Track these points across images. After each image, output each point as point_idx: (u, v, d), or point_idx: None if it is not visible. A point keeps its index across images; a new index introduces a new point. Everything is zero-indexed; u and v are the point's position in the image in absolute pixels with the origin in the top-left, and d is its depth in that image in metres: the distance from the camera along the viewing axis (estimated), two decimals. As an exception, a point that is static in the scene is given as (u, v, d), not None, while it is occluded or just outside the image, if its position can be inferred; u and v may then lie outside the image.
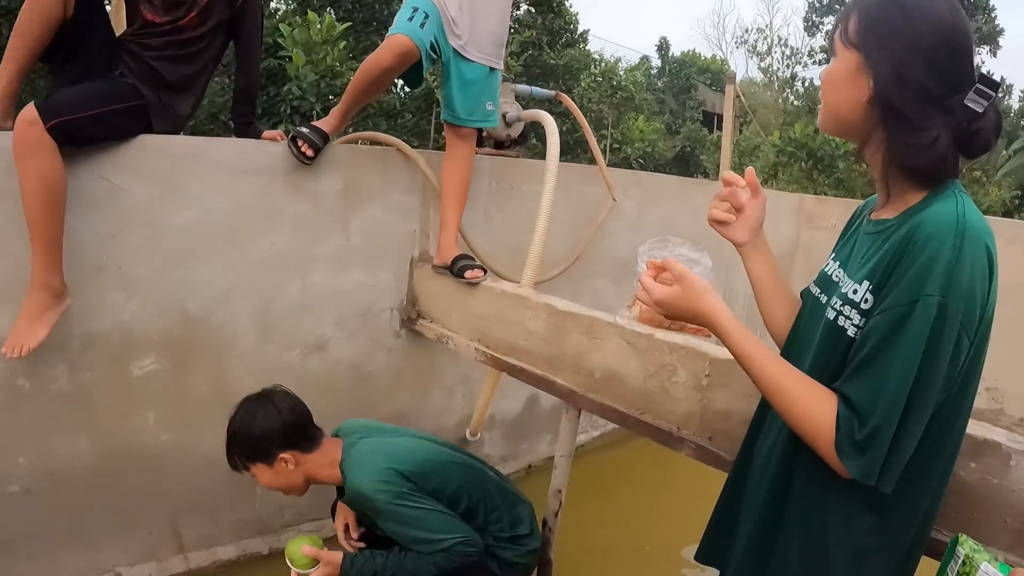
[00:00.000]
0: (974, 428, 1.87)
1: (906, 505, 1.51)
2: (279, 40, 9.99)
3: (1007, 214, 17.68)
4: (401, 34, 3.24)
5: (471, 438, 4.45)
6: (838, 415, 1.42)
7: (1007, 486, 1.82)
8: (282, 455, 2.79)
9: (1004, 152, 22.26)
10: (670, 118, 22.75)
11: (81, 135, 2.88)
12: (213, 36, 3.33)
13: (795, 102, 26.71)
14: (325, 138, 3.45)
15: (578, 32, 17.90)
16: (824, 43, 26.48)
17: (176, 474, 3.45)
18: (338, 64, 9.43)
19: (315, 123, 3.49)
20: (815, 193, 12.17)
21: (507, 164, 4.36)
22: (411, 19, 3.28)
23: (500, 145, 4.40)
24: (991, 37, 25.38)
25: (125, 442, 3.30)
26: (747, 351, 1.56)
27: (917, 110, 1.42)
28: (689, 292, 1.61)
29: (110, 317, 3.13)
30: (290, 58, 9.59)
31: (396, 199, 3.84)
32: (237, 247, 3.37)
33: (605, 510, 4.47)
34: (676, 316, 1.65)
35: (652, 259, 1.72)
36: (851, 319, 1.48)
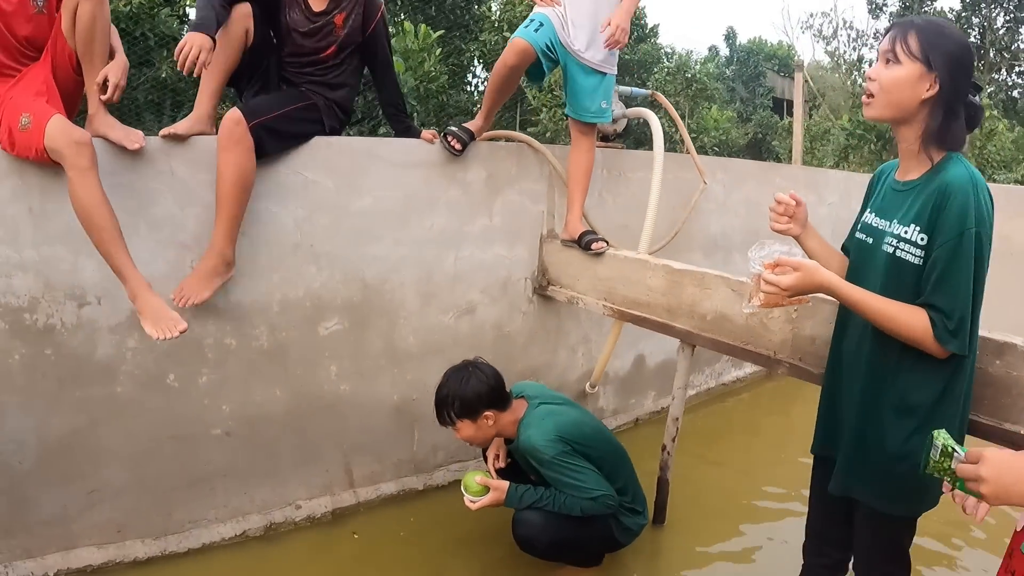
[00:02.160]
0: (997, 335, 2.55)
1: (959, 375, 2.22)
2: (379, 48, 10.43)
3: None
4: (518, 37, 3.84)
5: (590, 391, 5.00)
6: (931, 318, 2.11)
7: None
8: (486, 413, 3.36)
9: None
10: (740, 106, 22.88)
11: (278, 131, 3.45)
12: (351, 60, 3.87)
13: (862, 84, 26.53)
14: (471, 135, 4.06)
15: (648, 27, 18.26)
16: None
17: (351, 419, 4.00)
18: (434, 69, 9.97)
19: (465, 124, 4.09)
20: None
21: (615, 155, 4.92)
22: (527, 26, 3.87)
23: (606, 139, 4.98)
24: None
25: (312, 391, 3.85)
26: (857, 298, 2.23)
27: (959, 106, 2.15)
28: (808, 272, 2.22)
29: (303, 286, 3.71)
30: (390, 65, 10.01)
31: (528, 186, 4.43)
32: (405, 227, 3.96)
33: (707, 453, 5.00)
34: (801, 292, 2.26)
35: (764, 260, 2.31)
36: (910, 252, 2.18)
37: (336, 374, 3.92)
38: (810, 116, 18.50)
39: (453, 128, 4.06)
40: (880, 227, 2.32)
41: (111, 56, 3.18)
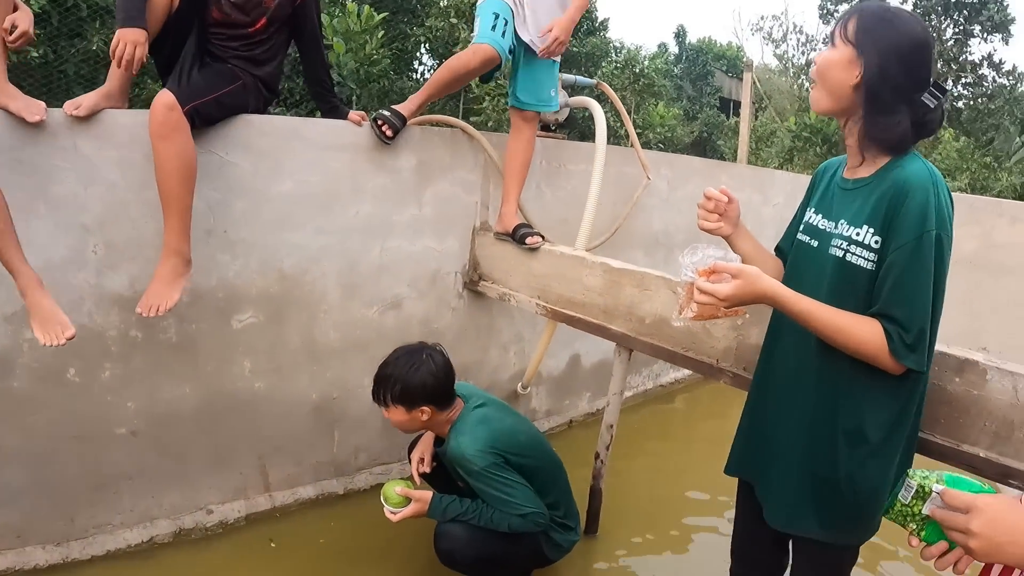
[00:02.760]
0: (956, 350, 2.39)
1: (916, 393, 2.04)
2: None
3: (1019, 198, 18.04)
4: (487, 44, 3.62)
5: (522, 391, 4.84)
6: (887, 331, 1.90)
7: (985, 396, 2.32)
8: (424, 407, 3.16)
9: (1018, 139, 22.41)
10: (687, 104, 22.98)
11: (208, 116, 3.23)
12: (279, 34, 3.62)
13: (809, 88, 26.98)
14: (403, 120, 3.83)
15: (598, 21, 18.20)
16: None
17: (266, 418, 3.79)
18: (376, 52, 9.75)
19: (395, 107, 3.86)
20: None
21: (556, 146, 4.73)
22: (493, 27, 3.64)
23: (547, 128, 4.79)
24: (1003, 26, 25.56)
25: (224, 388, 3.63)
26: (803, 308, 2.00)
27: (891, 99, 1.94)
28: (749, 280, 1.97)
29: (216, 275, 3.48)
30: (331, 46, 9.78)
31: (461, 175, 4.23)
32: (328, 214, 3.74)
33: (642, 459, 4.89)
34: (741, 302, 2.01)
35: (698, 267, 2.05)
36: (862, 255, 1.97)
37: (250, 370, 3.70)
38: (756, 117, 18.59)
39: (385, 112, 3.82)
40: (826, 228, 2.11)
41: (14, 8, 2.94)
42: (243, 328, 3.62)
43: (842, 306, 1.98)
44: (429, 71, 14.16)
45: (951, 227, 1.91)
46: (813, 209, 2.22)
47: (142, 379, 3.41)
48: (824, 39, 27.85)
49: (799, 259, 2.22)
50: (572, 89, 4.87)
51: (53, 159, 3.02)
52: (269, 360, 3.74)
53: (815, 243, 2.14)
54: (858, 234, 1.98)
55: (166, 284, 3.11)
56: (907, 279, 1.88)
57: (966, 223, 5.98)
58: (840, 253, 2.02)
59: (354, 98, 9.42)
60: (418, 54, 13.62)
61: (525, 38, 3.78)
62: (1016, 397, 2.28)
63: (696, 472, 4.79)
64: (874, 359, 1.94)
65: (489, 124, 10.71)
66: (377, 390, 3.21)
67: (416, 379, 3.13)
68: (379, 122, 3.79)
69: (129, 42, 3.04)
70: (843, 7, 26.98)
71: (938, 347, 2.31)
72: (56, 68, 8.66)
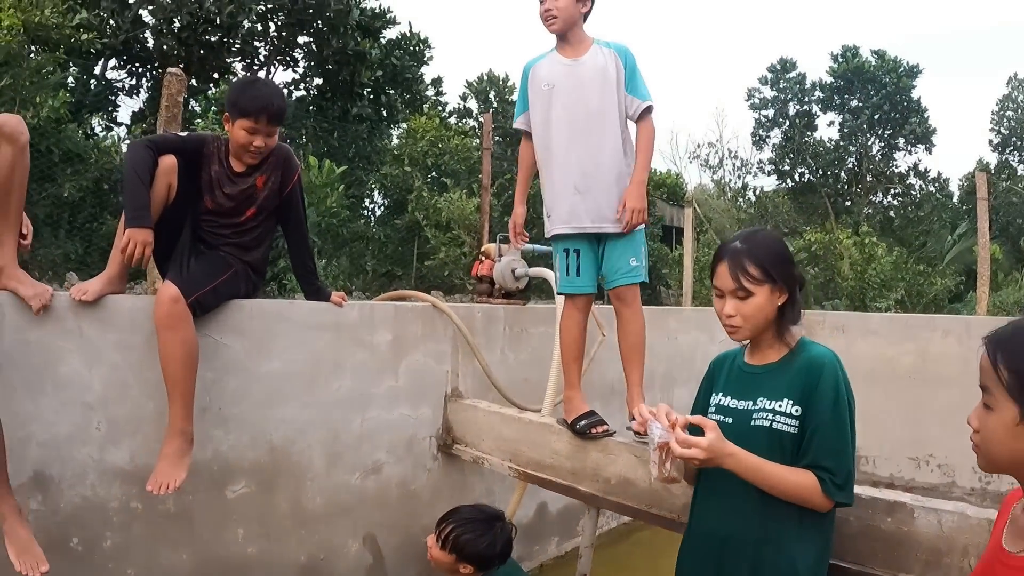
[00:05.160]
0: (888, 494, 2.77)
1: (833, 526, 2.49)
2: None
3: (955, 298, 18.25)
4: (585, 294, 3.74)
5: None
6: (820, 478, 2.30)
7: (915, 531, 2.68)
8: (471, 566, 3.54)
9: (949, 238, 23.19)
10: (631, 237, 23.53)
11: (207, 305, 3.51)
12: (268, 221, 3.88)
13: (748, 210, 27.93)
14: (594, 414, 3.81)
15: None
16: (772, 156, 28.30)
17: (258, 582, 3.96)
18: (335, 205, 10.13)
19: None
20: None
21: (517, 311, 5.11)
22: (565, 272, 3.68)
23: (509, 295, 5.14)
24: (926, 136, 26.88)
25: (219, 554, 3.79)
26: (754, 464, 2.32)
27: (795, 288, 2.49)
28: (719, 436, 2.28)
29: (211, 449, 3.70)
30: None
31: (433, 346, 4.57)
32: (312, 390, 4.03)
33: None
34: (716, 454, 2.24)
35: (673, 420, 2.31)
36: (786, 423, 2.39)
37: (243, 537, 3.88)
38: (697, 240, 19.11)
39: (583, 422, 3.71)
40: (742, 407, 2.49)
41: None
42: (236, 497, 3.82)
43: (778, 460, 2.36)
44: (380, 208, 14.46)
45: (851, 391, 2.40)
46: (722, 393, 2.60)
47: (141, 547, 3.56)
48: (757, 163, 28.96)
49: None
50: (530, 257, 5.22)
51: (59, 341, 3.27)
52: (260, 526, 3.92)
53: (730, 420, 2.50)
54: (780, 406, 2.40)
55: (172, 463, 3.29)
56: (834, 435, 2.32)
57: (903, 340, 6.42)
58: (767, 423, 2.41)
59: (316, 250, 9.72)
60: (371, 194, 13.97)
61: (596, 227, 3.64)
62: (941, 529, 2.63)
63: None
64: (808, 500, 2.32)
65: (446, 273, 11.03)
66: (445, 531, 3.56)
67: (481, 544, 3.51)
68: (590, 429, 3.70)
69: (139, 242, 3.30)
70: (774, 133, 28.24)
71: (870, 492, 2.77)
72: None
